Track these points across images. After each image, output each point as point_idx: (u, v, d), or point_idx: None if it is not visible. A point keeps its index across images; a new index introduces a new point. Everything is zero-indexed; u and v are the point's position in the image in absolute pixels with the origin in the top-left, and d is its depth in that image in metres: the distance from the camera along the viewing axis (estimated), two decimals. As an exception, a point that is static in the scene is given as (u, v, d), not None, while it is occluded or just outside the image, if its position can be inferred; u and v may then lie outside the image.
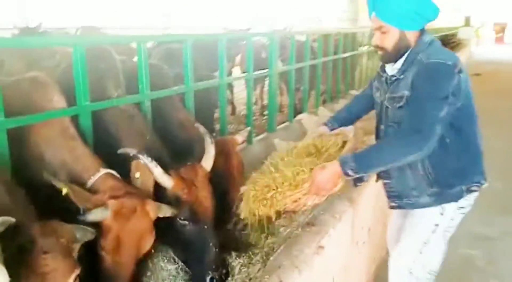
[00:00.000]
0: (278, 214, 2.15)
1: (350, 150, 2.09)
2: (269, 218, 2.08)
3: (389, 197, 2.26)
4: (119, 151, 1.95)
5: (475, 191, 2.10)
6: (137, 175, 1.87)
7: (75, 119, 2.04)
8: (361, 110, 2.51)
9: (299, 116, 4.65)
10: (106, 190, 1.74)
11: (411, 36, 2.04)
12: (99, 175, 1.79)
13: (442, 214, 2.10)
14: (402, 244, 2.24)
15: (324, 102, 5.50)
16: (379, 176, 2.31)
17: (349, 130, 2.33)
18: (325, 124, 2.46)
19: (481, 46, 29.22)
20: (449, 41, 17.18)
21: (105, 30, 7.83)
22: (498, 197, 4.64)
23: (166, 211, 1.81)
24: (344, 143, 2.21)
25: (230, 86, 7.12)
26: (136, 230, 1.68)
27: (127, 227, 1.66)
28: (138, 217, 1.68)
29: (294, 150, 2.30)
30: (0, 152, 1.73)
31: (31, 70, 2.22)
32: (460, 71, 1.95)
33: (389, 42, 2.05)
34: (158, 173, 1.87)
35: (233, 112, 7.35)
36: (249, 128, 2.93)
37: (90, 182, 1.78)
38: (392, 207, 2.26)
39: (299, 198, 2.00)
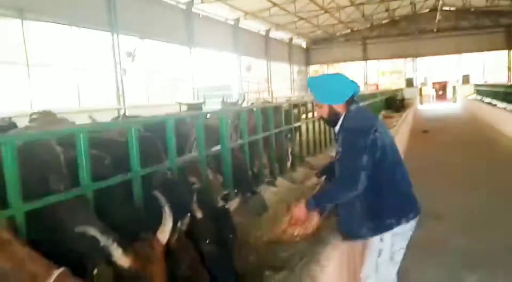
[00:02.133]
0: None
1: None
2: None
3: (340, 230, 2.88)
4: (77, 229, 1.86)
5: (405, 222, 2.65)
6: None
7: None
8: None
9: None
10: None
11: (338, 107, 2.76)
12: (52, 279, 1.60)
13: (382, 240, 2.68)
14: (363, 268, 2.85)
15: (281, 172, 5.47)
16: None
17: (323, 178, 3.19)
18: (316, 175, 3.34)
19: (425, 104, 31.05)
20: (395, 101, 18.16)
21: (62, 115, 7.66)
22: (463, 254, 4.64)
23: None
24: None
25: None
26: None
27: None
28: None
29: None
30: None
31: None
32: (375, 131, 2.59)
33: (324, 113, 2.82)
34: (118, 254, 1.84)
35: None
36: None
37: None
38: (343, 239, 2.87)
39: (286, 229, 2.87)
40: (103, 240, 1.81)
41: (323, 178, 3.18)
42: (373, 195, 2.60)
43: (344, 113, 2.75)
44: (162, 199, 2.23)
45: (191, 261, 2.26)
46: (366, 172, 2.52)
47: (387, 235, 2.65)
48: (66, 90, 14.19)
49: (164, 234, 2.05)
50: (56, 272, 1.62)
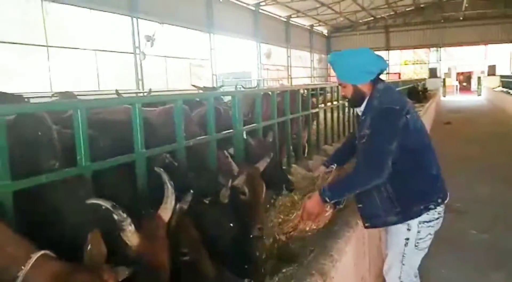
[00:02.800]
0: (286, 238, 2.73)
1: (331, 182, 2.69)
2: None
3: (363, 219, 2.67)
4: (89, 201, 1.80)
5: (433, 208, 2.48)
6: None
7: None
8: (349, 149, 2.92)
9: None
10: (49, 278, 1.47)
11: (364, 86, 2.54)
12: (31, 262, 1.48)
13: (409, 229, 2.51)
14: (388, 259, 2.70)
15: (296, 159, 5.28)
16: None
17: (333, 167, 2.92)
18: (324, 164, 3.05)
19: (448, 96, 30.17)
20: (417, 92, 17.63)
21: (82, 96, 7.60)
22: (488, 249, 4.40)
23: (122, 274, 1.66)
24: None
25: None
26: None
27: None
28: None
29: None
30: None
31: None
32: (407, 113, 2.40)
33: (348, 93, 2.60)
34: (130, 230, 1.76)
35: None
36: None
37: (22, 274, 1.47)
38: (366, 227, 2.69)
39: (297, 225, 2.64)
40: (117, 213, 1.73)
41: (333, 166, 2.93)
42: (400, 180, 2.42)
43: (370, 93, 2.52)
44: (164, 176, 2.15)
45: (191, 243, 2.12)
46: (392, 157, 2.33)
47: (414, 223, 2.48)
48: (85, 73, 14.20)
49: (166, 211, 1.99)
50: (36, 255, 1.50)
